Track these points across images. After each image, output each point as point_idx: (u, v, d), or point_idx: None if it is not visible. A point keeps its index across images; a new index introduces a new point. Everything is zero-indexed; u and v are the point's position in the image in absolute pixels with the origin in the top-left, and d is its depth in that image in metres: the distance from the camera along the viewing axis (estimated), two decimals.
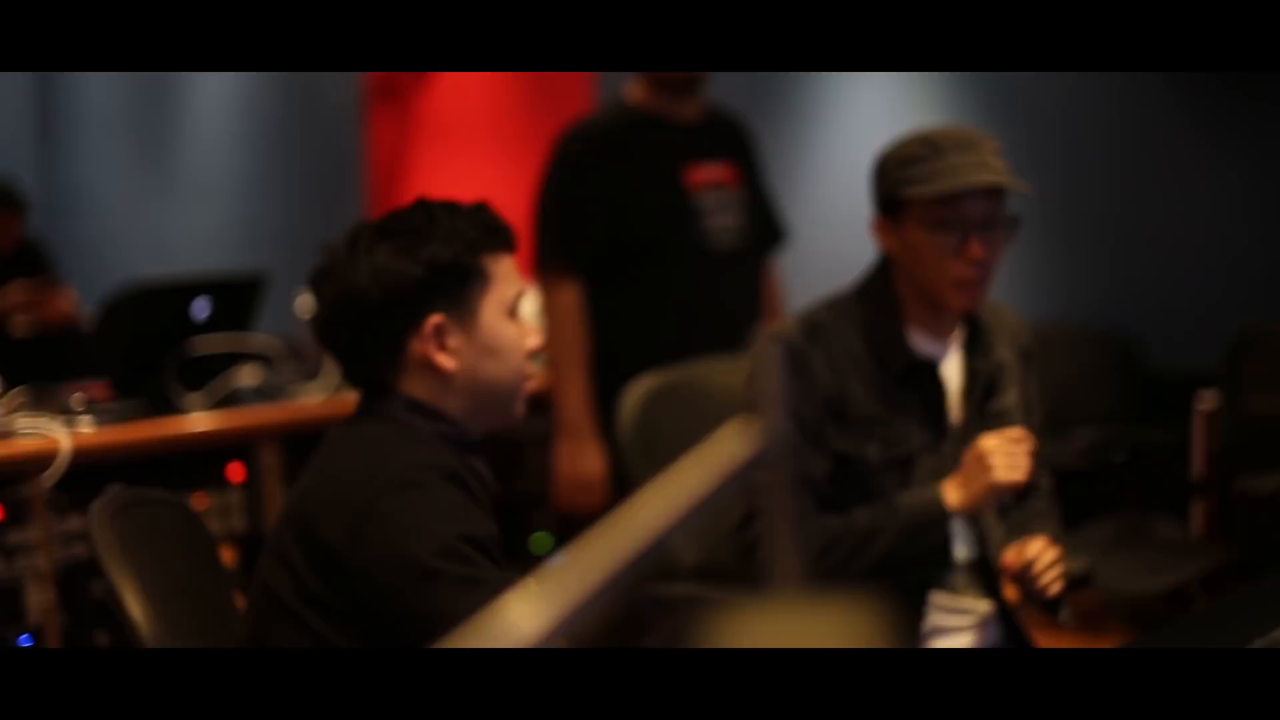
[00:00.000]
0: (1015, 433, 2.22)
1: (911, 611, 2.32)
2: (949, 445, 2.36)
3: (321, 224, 7.09)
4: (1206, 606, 2.28)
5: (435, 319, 1.79)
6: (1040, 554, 2.24)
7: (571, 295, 3.37)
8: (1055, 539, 2.36)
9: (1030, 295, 4.98)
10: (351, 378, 1.88)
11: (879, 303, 2.38)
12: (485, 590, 1.64)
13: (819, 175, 6.29)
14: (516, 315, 1.86)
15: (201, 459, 3.24)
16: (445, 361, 1.79)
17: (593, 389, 3.34)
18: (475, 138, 6.50)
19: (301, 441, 3.43)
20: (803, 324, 2.39)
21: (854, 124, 6.30)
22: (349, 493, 1.72)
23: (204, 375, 3.48)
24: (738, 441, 1.10)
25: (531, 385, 1.91)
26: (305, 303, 4.05)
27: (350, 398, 1.93)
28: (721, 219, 3.46)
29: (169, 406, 3.34)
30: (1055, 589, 2.24)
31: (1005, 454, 2.21)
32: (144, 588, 1.80)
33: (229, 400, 3.48)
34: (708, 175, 3.46)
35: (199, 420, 3.30)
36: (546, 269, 3.43)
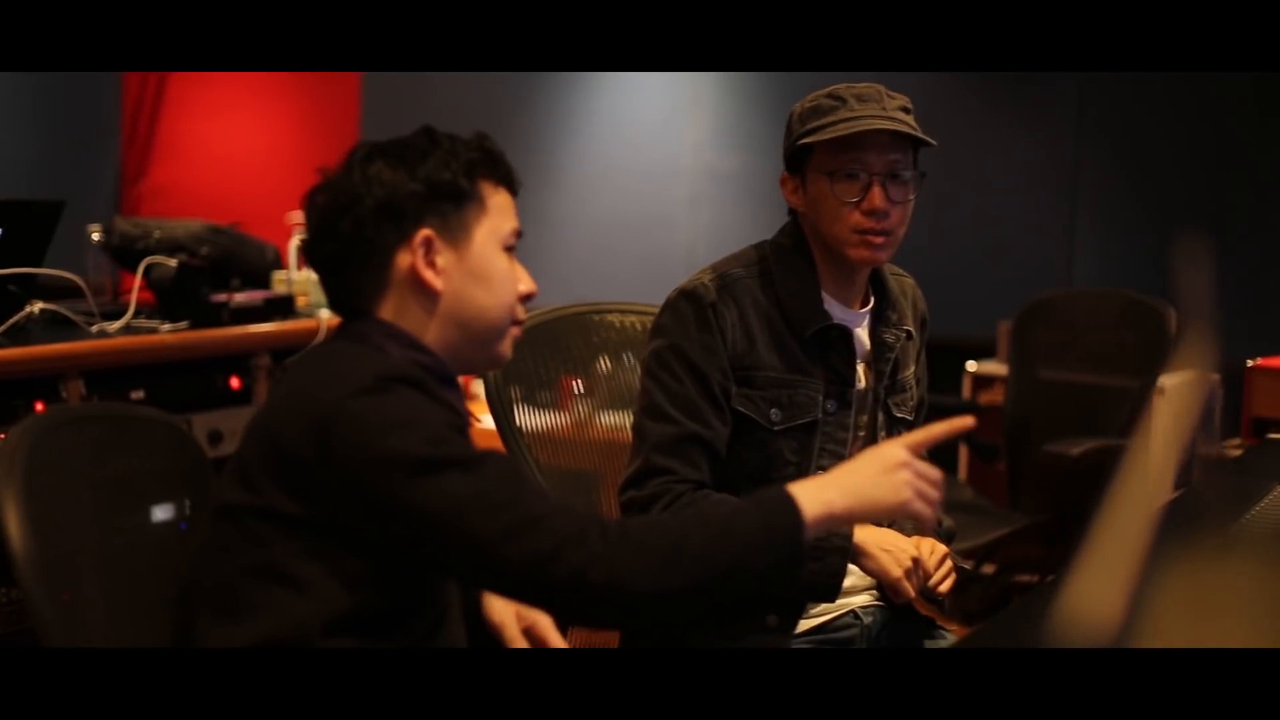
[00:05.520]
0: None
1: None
2: (853, 414, 2.35)
3: (70, 159, 6.74)
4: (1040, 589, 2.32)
5: (425, 232, 1.71)
6: (930, 553, 2.26)
7: None
8: (940, 525, 2.39)
9: None
10: (334, 298, 1.78)
11: (793, 263, 2.35)
12: (489, 465, 1.59)
13: (581, 164, 6.29)
14: (512, 256, 1.80)
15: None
16: (432, 279, 1.72)
17: None
18: (232, 73, 6.28)
19: (104, 376, 3.24)
20: (717, 278, 2.33)
21: (625, 93, 6.31)
22: (311, 401, 1.63)
23: None
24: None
25: (517, 331, 1.82)
26: (96, 234, 3.83)
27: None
28: None
29: None
30: (945, 588, 2.26)
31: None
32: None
33: (21, 334, 3.25)
34: None
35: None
36: None
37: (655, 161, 6.23)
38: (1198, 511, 2.04)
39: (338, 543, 1.61)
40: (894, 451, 1.75)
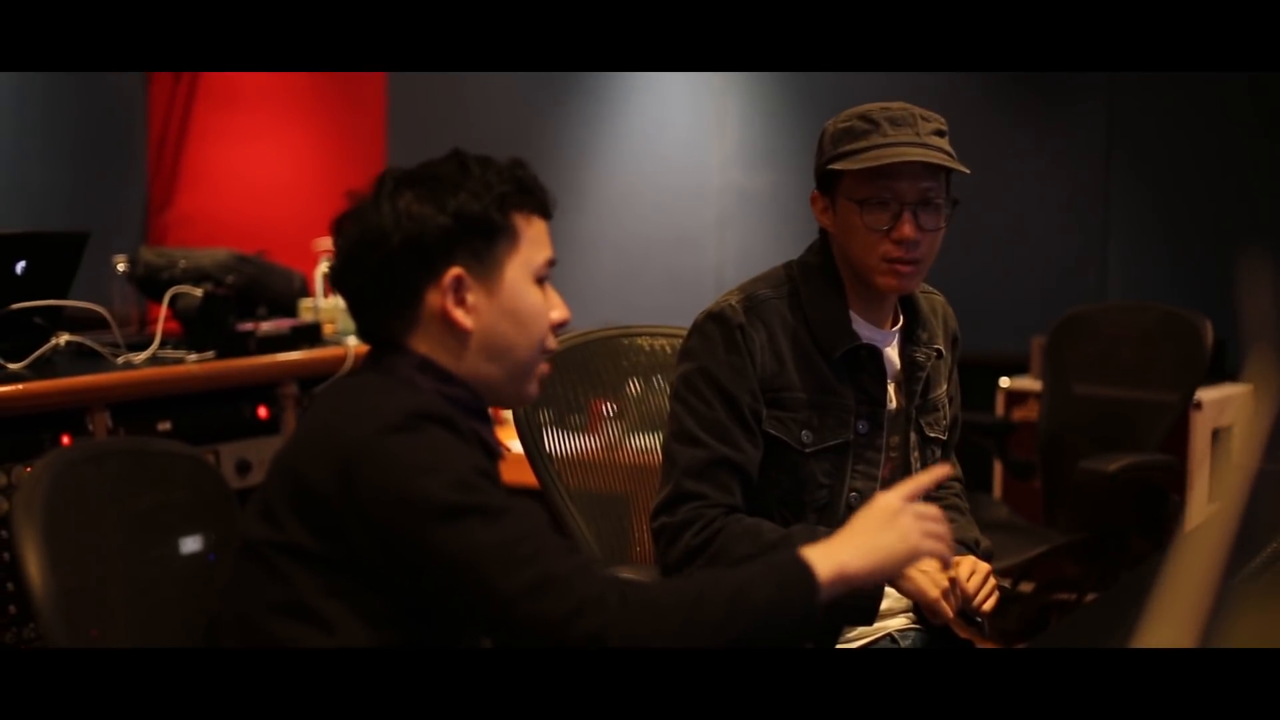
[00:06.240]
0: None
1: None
2: (884, 435, 2.32)
3: (97, 188, 6.76)
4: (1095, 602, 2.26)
5: (455, 271, 1.68)
6: (972, 572, 2.21)
7: None
8: (978, 545, 2.36)
9: None
10: (364, 330, 1.76)
11: (820, 283, 2.32)
12: (514, 517, 1.56)
13: (616, 163, 6.26)
14: (544, 285, 1.76)
15: (26, 429, 3.00)
16: (462, 319, 1.68)
17: None
18: (258, 101, 6.28)
19: (131, 408, 3.22)
20: (744, 299, 2.30)
21: (651, 113, 6.29)
22: (335, 437, 1.60)
23: (20, 339, 3.23)
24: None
25: (546, 367, 1.79)
26: (121, 265, 3.82)
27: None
28: None
29: None
30: (989, 606, 2.22)
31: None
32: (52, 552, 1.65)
33: (47, 366, 3.24)
34: None
35: (25, 385, 3.01)
36: None
37: (681, 182, 6.21)
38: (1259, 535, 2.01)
39: (359, 581, 1.58)
40: (887, 501, 1.75)
